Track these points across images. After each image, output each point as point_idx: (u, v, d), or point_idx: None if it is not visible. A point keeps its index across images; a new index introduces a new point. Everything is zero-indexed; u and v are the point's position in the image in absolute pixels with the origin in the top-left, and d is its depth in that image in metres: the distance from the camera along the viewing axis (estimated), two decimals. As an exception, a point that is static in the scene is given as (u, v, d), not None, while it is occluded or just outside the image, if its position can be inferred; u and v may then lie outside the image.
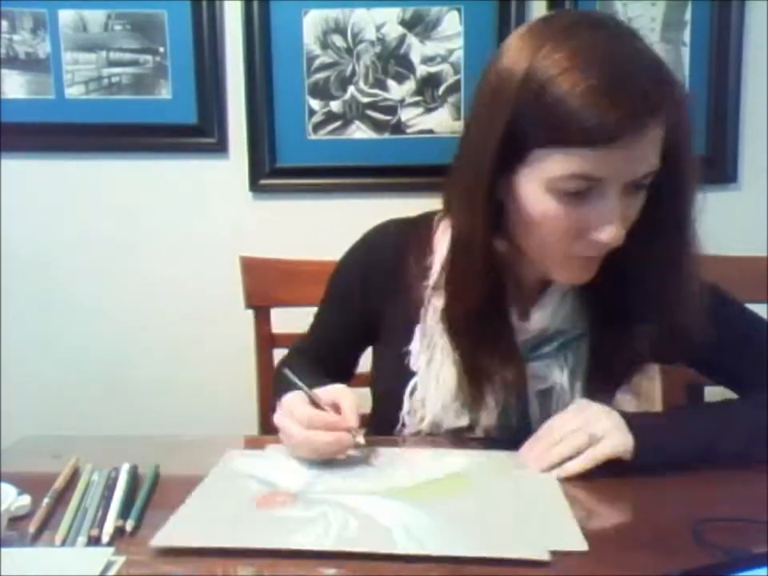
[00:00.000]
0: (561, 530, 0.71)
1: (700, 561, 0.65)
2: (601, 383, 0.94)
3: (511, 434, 0.94)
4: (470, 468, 0.86)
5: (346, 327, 1.08)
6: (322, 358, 1.08)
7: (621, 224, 0.80)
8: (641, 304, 0.88)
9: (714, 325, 0.87)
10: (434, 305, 0.96)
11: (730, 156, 1.81)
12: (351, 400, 0.87)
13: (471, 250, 0.87)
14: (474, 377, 0.93)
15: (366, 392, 1.15)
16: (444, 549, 0.67)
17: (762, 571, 0.61)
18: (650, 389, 1.01)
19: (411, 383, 0.98)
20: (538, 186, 0.80)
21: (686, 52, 1.78)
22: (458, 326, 0.92)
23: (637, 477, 0.83)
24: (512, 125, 0.79)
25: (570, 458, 0.83)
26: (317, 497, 0.78)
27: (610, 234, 0.79)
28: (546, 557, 0.66)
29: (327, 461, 0.87)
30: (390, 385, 1.01)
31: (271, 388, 1.14)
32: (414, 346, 0.98)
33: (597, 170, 0.77)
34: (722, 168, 1.81)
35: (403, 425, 1.00)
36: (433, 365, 0.96)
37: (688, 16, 1.77)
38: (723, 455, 0.85)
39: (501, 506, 0.76)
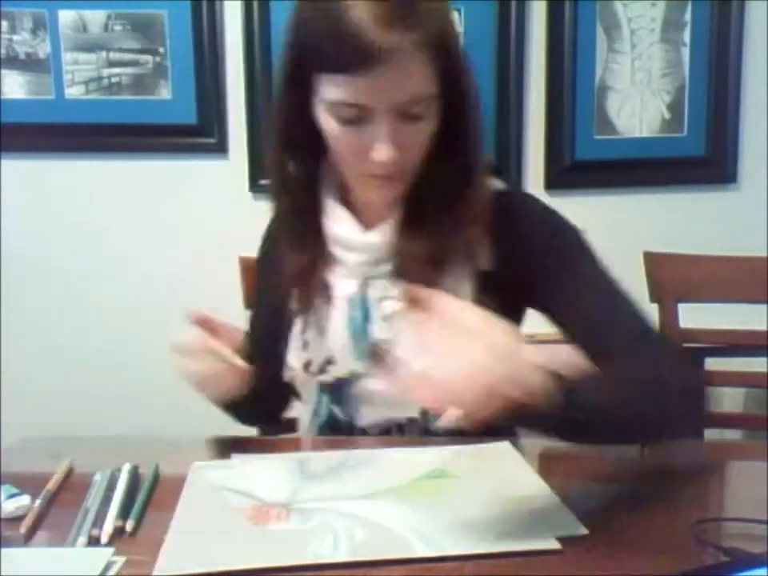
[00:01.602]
0: (556, 518, 0.73)
1: (700, 561, 0.65)
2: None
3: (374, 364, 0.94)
4: (450, 463, 0.86)
5: (265, 321, 1.10)
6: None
7: (391, 147, 0.84)
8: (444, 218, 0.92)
9: (557, 264, 0.92)
10: None
11: (730, 156, 1.81)
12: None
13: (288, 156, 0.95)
14: (310, 305, 0.98)
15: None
16: (460, 548, 0.67)
17: (762, 571, 0.61)
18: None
19: (299, 323, 0.99)
20: (323, 109, 0.87)
21: (685, 52, 1.79)
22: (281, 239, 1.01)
23: (637, 477, 0.83)
24: (294, 53, 0.87)
25: None
26: (309, 506, 0.76)
27: (381, 154, 0.84)
28: (556, 545, 0.67)
29: (300, 468, 0.86)
30: (275, 332, 1.03)
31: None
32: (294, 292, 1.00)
33: (354, 96, 0.82)
34: (721, 168, 1.81)
35: (288, 366, 1.00)
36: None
37: (688, 16, 1.77)
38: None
39: (492, 501, 0.77)
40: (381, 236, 0.94)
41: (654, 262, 1.33)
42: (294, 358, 0.99)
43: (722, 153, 1.80)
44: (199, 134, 1.76)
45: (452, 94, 0.87)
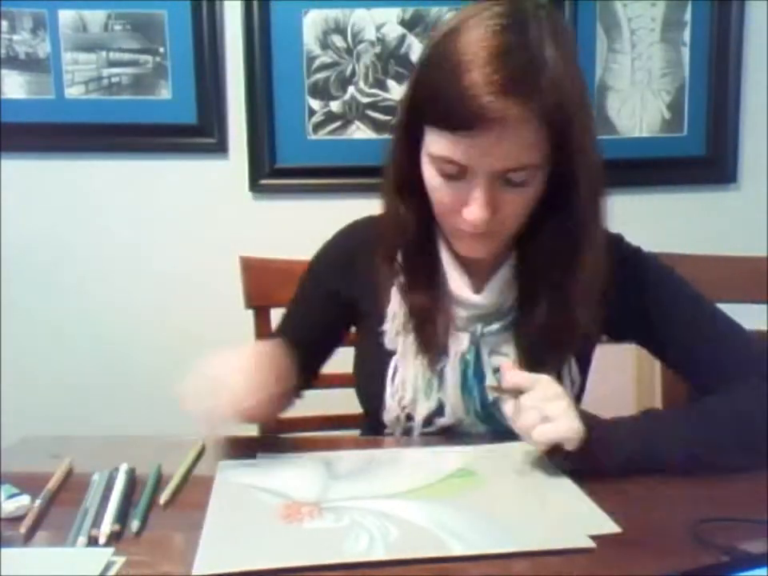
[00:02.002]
0: (588, 516, 0.73)
1: (700, 561, 0.65)
2: (547, 359, 0.96)
3: (477, 412, 0.99)
4: (475, 464, 0.87)
5: (322, 317, 1.10)
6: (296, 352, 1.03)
7: (484, 209, 0.85)
8: (557, 288, 0.94)
9: (656, 299, 0.97)
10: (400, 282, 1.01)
11: (730, 156, 1.81)
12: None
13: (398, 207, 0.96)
14: (429, 350, 0.98)
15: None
16: (495, 546, 0.67)
17: (762, 571, 0.61)
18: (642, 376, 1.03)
19: (392, 364, 1.00)
20: (426, 156, 0.89)
21: (685, 52, 1.79)
22: (403, 293, 0.99)
23: (636, 477, 0.83)
24: (411, 101, 0.89)
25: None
26: (340, 505, 0.77)
27: (472, 214, 0.86)
28: (590, 544, 0.68)
29: (327, 467, 0.87)
30: (372, 368, 1.03)
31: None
32: (387, 325, 1.01)
33: (456, 155, 0.83)
34: (721, 168, 1.81)
35: (386, 408, 1.01)
36: (407, 344, 1.00)
37: (688, 16, 1.77)
38: (695, 464, 0.83)
39: (521, 499, 0.78)
40: (490, 297, 0.97)
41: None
42: (396, 405, 1.00)
43: (722, 153, 1.80)
44: (199, 134, 1.76)
45: (565, 164, 0.86)
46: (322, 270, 1.10)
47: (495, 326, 0.98)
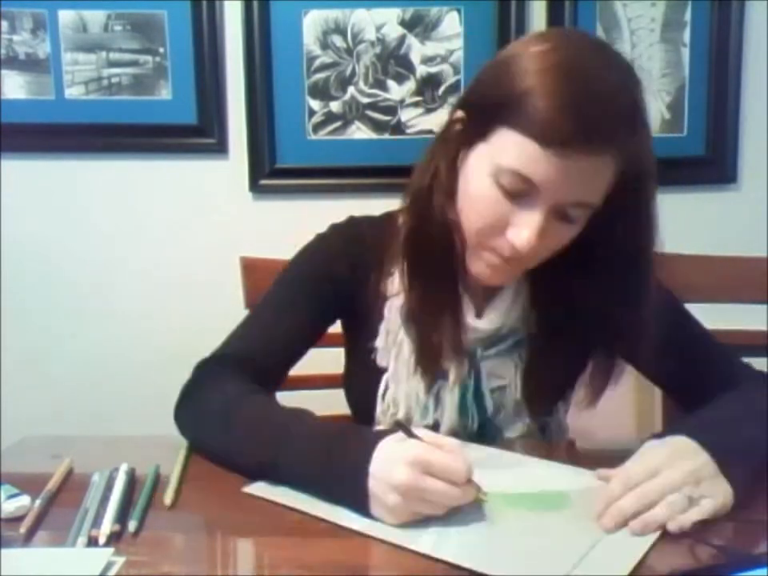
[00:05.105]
0: (613, 557, 0.67)
1: (700, 561, 0.65)
2: (550, 381, 0.96)
3: (472, 432, 0.98)
4: (574, 489, 0.81)
5: (315, 320, 1.03)
6: (262, 363, 0.98)
7: (535, 235, 0.80)
8: (587, 317, 0.90)
9: (661, 329, 0.90)
10: (395, 303, 0.97)
11: (730, 156, 1.81)
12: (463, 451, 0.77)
13: (428, 216, 0.89)
14: (428, 372, 0.95)
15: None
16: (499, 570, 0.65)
17: (762, 571, 0.61)
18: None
19: (383, 382, 0.99)
20: (486, 165, 0.82)
21: (685, 52, 1.78)
22: (412, 319, 0.94)
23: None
24: (487, 98, 0.83)
25: None
26: None
27: (520, 238, 0.81)
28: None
29: None
30: (363, 384, 1.02)
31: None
32: (380, 342, 0.99)
33: (536, 172, 0.78)
34: (721, 168, 1.81)
35: (378, 423, 1.00)
36: (400, 362, 0.97)
37: (688, 16, 1.77)
38: None
39: (582, 533, 0.72)
40: (493, 321, 0.95)
41: (654, 262, 1.33)
42: (387, 422, 0.99)
43: (722, 153, 1.80)
44: (199, 134, 1.76)
45: (610, 219, 0.84)
46: (327, 270, 1.02)
47: (494, 350, 0.97)
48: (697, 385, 0.96)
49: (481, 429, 0.99)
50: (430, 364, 0.95)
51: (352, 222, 1.05)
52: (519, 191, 0.80)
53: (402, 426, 0.76)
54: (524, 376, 0.97)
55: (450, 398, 0.97)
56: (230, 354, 0.99)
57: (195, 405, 0.94)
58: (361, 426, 0.91)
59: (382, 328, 0.99)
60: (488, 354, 0.97)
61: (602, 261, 0.87)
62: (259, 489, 0.81)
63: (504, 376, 0.98)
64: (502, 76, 0.82)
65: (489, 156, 0.82)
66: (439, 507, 0.72)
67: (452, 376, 0.96)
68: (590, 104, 0.77)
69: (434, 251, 0.90)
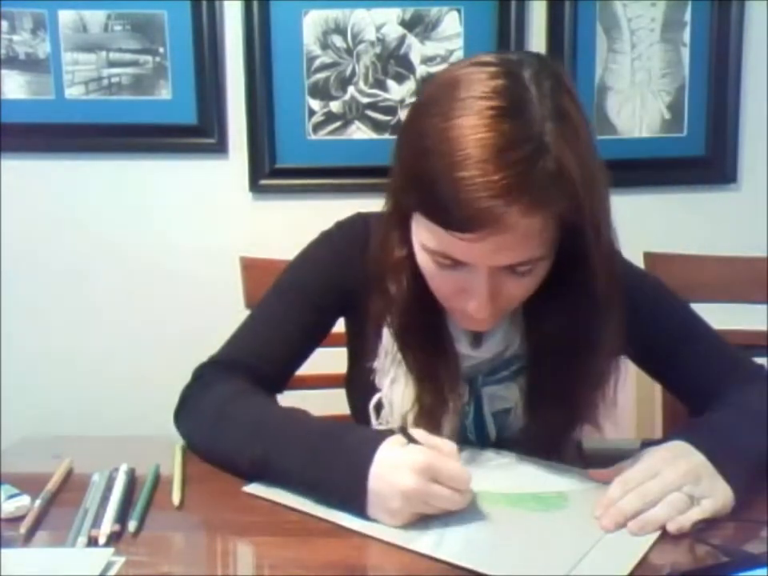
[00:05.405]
0: (613, 557, 0.67)
1: (700, 561, 0.65)
2: (554, 402, 0.91)
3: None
4: (572, 490, 0.81)
5: (310, 328, 1.00)
6: (261, 368, 0.96)
7: (488, 303, 0.78)
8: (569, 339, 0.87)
9: (655, 321, 0.90)
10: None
11: (730, 156, 1.81)
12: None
13: (408, 286, 0.86)
14: (424, 405, 0.91)
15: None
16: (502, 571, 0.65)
17: (762, 571, 0.61)
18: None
19: (375, 399, 0.96)
20: (419, 248, 0.81)
21: (685, 52, 1.78)
22: (405, 346, 0.91)
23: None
24: (399, 180, 0.81)
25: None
26: None
27: (474, 308, 0.79)
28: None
29: None
30: (362, 399, 0.99)
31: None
32: (379, 363, 0.96)
33: (457, 253, 0.76)
34: (721, 168, 1.81)
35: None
36: (396, 385, 0.94)
37: (688, 16, 1.77)
38: None
39: (583, 536, 0.71)
40: (490, 350, 0.92)
41: (654, 263, 1.33)
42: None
43: (722, 153, 1.80)
44: (199, 134, 1.76)
45: (576, 246, 0.78)
46: (334, 282, 0.98)
47: (497, 376, 0.94)
48: (699, 382, 0.95)
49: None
50: (430, 420, 0.91)
51: (358, 218, 1.02)
52: (451, 264, 0.78)
53: (403, 431, 0.76)
54: (531, 397, 0.93)
55: (449, 425, 0.93)
56: (229, 359, 0.98)
57: (193, 408, 0.93)
58: (359, 425, 0.90)
59: (381, 350, 0.96)
60: (489, 380, 0.95)
61: (577, 279, 0.83)
62: (259, 488, 0.81)
63: (507, 400, 0.95)
64: (411, 151, 0.78)
65: (416, 234, 0.81)
66: (439, 509, 0.72)
67: (450, 404, 0.92)
68: (471, 185, 0.70)
69: (422, 315, 0.88)
